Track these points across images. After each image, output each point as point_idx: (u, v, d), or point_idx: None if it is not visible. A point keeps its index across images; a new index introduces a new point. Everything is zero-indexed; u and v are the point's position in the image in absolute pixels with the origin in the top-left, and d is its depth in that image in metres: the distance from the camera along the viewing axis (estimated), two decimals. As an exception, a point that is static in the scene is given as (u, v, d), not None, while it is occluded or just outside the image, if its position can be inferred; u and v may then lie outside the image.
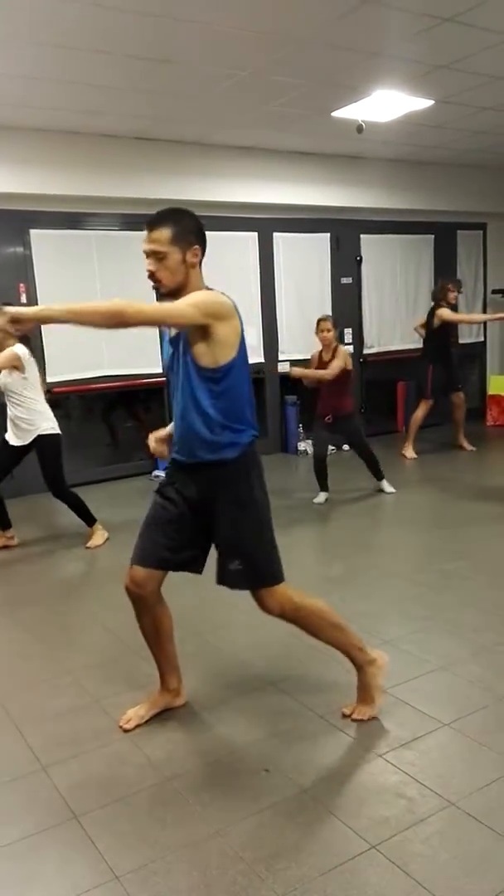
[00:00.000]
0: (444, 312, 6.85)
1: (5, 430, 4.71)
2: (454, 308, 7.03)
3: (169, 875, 1.95)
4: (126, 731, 2.63)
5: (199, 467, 2.46)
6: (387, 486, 5.80)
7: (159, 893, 1.89)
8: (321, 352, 5.59)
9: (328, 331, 5.46)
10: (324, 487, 5.67)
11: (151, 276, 2.39)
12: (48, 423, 4.65)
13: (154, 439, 2.73)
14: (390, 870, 1.92)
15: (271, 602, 2.49)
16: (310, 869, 1.94)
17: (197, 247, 2.38)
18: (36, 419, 4.62)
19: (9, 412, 4.66)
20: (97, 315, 2.26)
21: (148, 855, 2.02)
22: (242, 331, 2.41)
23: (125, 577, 2.58)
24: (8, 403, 4.64)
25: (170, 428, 2.67)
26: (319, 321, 5.52)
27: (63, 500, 4.83)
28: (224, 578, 2.49)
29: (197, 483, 2.48)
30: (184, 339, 2.39)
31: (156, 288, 2.42)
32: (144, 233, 2.37)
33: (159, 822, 2.15)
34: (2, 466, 4.74)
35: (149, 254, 2.37)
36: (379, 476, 5.79)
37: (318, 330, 5.50)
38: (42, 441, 4.64)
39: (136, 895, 1.88)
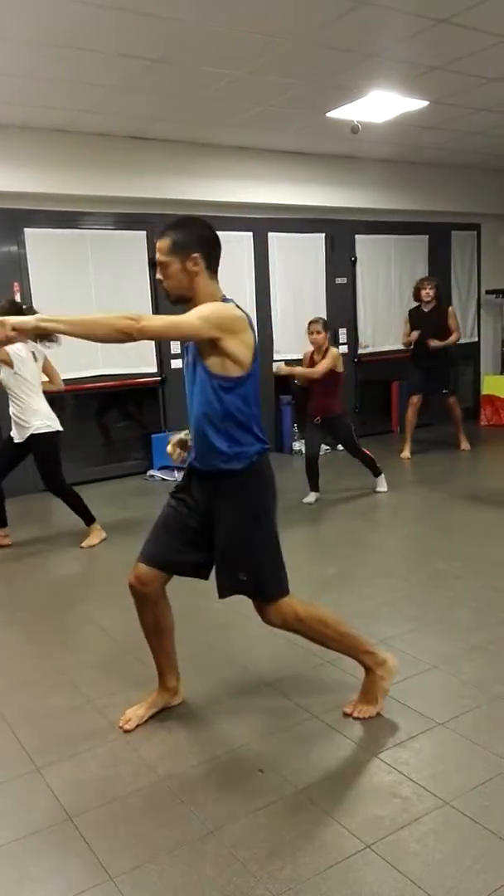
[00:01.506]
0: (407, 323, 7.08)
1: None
2: (427, 304, 6.97)
3: (163, 875, 1.95)
4: (126, 731, 2.63)
5: (209, 475, 2.47)
6: (381, 484, 5.83)
7: (154, 894, 1.89)
8: (313, 352, 5.60)
9: (317, 333, 5.49)
10: (314, 487, 5.69)
11: (160, 284, 2.43)
12: (41, 422, 4.64)
13: (172, 443, 2.76)
14: (385, 869, 1.92)
15: (273, 614, 2.50)
16: (305, 868, 1.94)
17: (196, 255, 2.35)
18: (29, 418, 4.61)
19: (10, 410, 4.69)
20: (103, 328, 2.24)
21: (142, 855, 2.02)
22: (256, 346, 2.41)
23: (130, 573, 2.57)
24: (9, 401, 4.68)
25: (186, 431, 2.67)
26: (310, 323, 5.55)
27: (62, 497, 4.82)
28: (221, 589, 2.50)
29: (205, 490, 2.49)
30: (193, 349, 2.40)
31: (167, 297, 2.44)
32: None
33: (154, 823, 2.15)
34: (5, 463, 4.75)
35: (157, 263, 2.41)
36: (376, 472, 5.81)
37: (309, 332, 5.54)
38: (37, 439, 4.63)
39: None
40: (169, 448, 2.76)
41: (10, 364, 4.55)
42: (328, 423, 5.63)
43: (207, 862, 1.98)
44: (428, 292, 6.90)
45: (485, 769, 2.31)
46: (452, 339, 6.95)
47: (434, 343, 6.82)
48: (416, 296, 7.00)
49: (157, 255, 2.38)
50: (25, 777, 2.42)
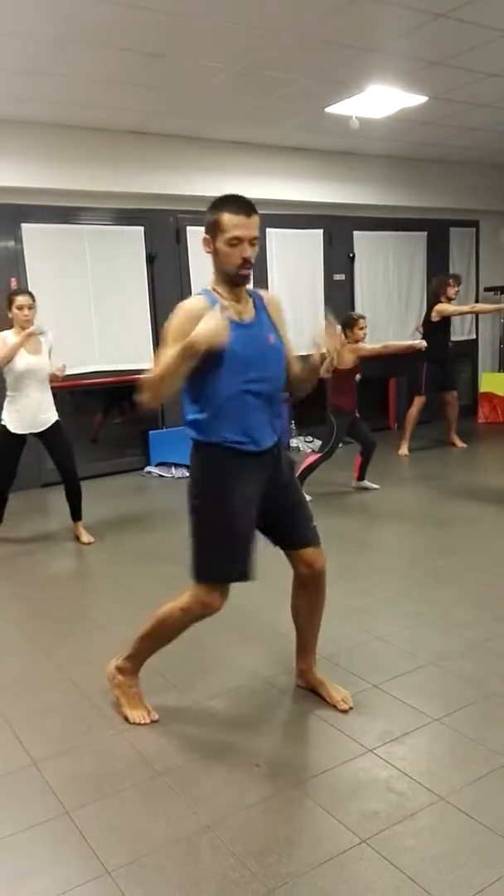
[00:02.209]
0: (444, 307, 6.84)
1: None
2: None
3: (160, 870, 1.95)
4: (153, 721, 2.66)
5: (273, 450, 2.51)
6: (370, 485, 5.85)
7: (150, 888, 1.89)
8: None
9: (364, 327, 5.60)
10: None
11: (248, 262, 2.37)
12: (5, 416, 4.66)
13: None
14: (380, 864, 1.93)
15: (319, 559, 2.62)
16: (300, 863, 1.94)
17: None
18: (47, 409, 4.69)
19: (31, 398, 4.67)
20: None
21: (139, 850, 2.02)
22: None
23: (216, 601, 2.50)
24: (31, 390, 4.66)
25: None
26: (360, 318, 5.65)
27: (77, 483, 4.82)
28: (315, 539, 2.63)
29: (276, 466, 2.54)
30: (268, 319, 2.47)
31: (249, 270, 2.40)
32: (239, 218, 2.32)
33: (150, 817, 2.16)
34: (11, 457, 4.73)
35: (252, 239, 2.35)
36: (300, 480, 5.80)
37: (360, 328, 5.59)
38: (56, 426, 4.70)
39: (128, 890, 1.89)
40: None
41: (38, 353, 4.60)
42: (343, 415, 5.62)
43: (203, 856, 1.99)
44: (457, 290, 6.94)
45: (480, 764, 2.32)
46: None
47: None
48: (443, 291, 6.87)
49: (255, 231, 2.34)
50: (23, 772, 2.42)
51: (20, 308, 4.52)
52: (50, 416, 4.69)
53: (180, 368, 2.26)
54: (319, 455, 5.56)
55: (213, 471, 2.42)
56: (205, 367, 2.30)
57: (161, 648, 2.64)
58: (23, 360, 4.53)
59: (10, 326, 4.58)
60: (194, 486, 2.46)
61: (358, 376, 5.71)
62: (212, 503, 2.42)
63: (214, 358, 2.28)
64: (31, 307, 4.54)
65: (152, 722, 2.64)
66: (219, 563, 2.44)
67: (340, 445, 6.12)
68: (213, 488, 2.41)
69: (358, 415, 5.70)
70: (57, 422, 4.72)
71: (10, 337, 4.51)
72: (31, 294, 4.62)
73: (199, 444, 2.44)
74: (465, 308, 7.41)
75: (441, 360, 7.01)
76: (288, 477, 2.59)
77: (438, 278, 7.14)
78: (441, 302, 6.86)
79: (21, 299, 4.54)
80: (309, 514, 2.64)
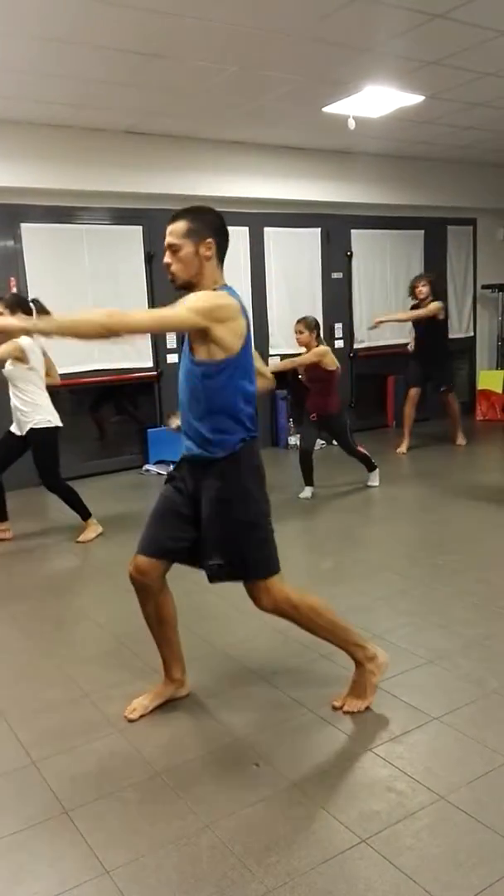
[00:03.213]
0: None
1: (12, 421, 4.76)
2: (423, 301, 6.95)
3: (159, 869, 1.95)
4: (130, 721, 2.65)
5: (195, 461, 2.48)
6: (373, 479, 5.85)
7: (150, 888, 1.89)
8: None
9: (300, 333, 5.50)
10: (309, 482, 5.69)
11: (167, 268, 2.42)
12: (43, 416, 4.65)
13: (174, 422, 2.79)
14: (380, 863, 1.93)
15: (264, 597, 2.49)
16: (300, 863, 1.94)
17: (210, 240, 2.40)
18: (31, 411, 4.62)
19: (11, 402, 4.68)
20: (87, 326, 2.26)
21: (138, 849, 2.02)
22: (249, 332, 2.41)
23: (129, 564, 2.57)
24: (11, 393, 4.67)
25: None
26: (296, 323, 5.55)
27: (57, 493, 4.83)
28: (208, 577, 2.51)
29: (194, 477, 2.51)
30: (186, 336, 2.43)
31: (172, 280, 2.43)
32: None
33: (150, 817, 2.16)
34: (5, 456, 4.75)
35: (167, 246, 2.41)
36: (370, 468, 5.82)
37: (295, 332, 5.55)
38: (36, 434, 4.63)
39: (127, 889, 1.89)
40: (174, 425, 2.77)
41: (25, 360, 4.56)
42: (323, 420, 5.64)
43: (203, 856, 1.99)
44: (420, 290, 6.91)
45: (480, 764, 2.32)
46: (411, 314, 7.01)
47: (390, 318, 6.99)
48: (412, 293, 6.99)
49: (169, 238, 2.39)
50: (21, 770, 2.42)
51: None
52: (26, 424, 4.68)
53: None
54: (360, 447, 5.73)
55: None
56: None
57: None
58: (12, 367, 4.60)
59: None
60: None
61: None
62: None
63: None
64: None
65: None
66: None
67: (323, 444, 6.14)
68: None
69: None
70: (32, 430, 4.67)
71: (24, 340, 4.53)
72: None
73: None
74: (401, 315, 7.30)
75: (424, 361, 7.04)
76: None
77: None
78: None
79: None
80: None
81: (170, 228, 2.41)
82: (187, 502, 2.52)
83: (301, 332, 5.48)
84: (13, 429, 4.72)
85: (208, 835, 2.07)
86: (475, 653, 3.06)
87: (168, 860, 1.98)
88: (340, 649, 2.67)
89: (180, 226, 2.38)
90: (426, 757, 2.38)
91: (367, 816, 2.11)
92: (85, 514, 4.89)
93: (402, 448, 7.02)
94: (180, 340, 2.52)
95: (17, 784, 2.36)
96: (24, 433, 4.65)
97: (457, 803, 2.14)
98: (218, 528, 2.46)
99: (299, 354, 5.63)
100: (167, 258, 2.41)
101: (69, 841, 2.08)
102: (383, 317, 7.03)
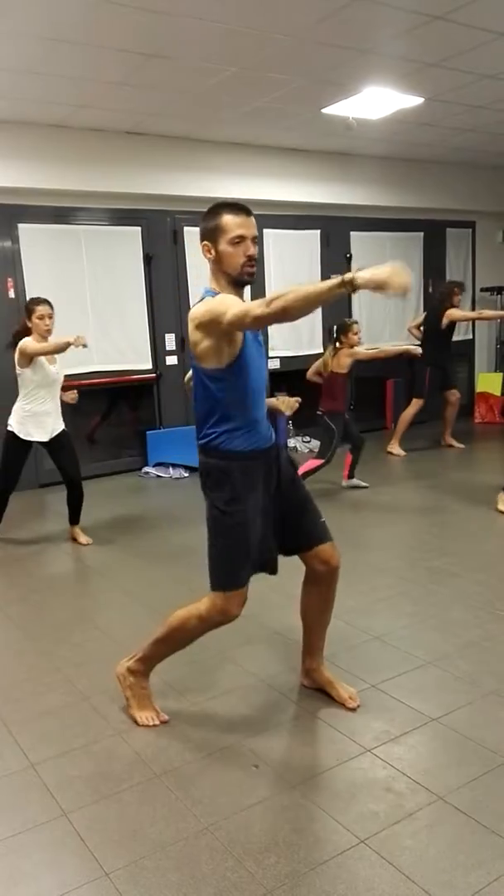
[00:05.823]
0: (455, 312, 6.90)
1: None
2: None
3: (158, 871, 1.95)
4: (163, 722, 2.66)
5: (272, 447, 2.53)
6: (356, 482, 5.88)
7: (149, 890, 1.89)
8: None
9: (356, 334, 5.62)
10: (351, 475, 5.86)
11: (251, 261, 2.35)
12: (12, 419, 4.68)
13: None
14: (379, 864, 1.93)
15: (335, 552, 2.72)
16: (299, 864, 1.94)
17: None
18: (56, 417, 4.73)
19: (49, 405, 4.71)
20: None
21: (137, 851, 2.02)
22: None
23: (232, 608, 2.49)
24: (52, 397, 4.71)
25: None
26: (354, 324, 5.66)
27: (80, 489, 4.82)
28: (321, 537, 2.70)
29: (268, 465, 2.53)
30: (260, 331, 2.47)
31: (251, 275, 2.38)
32: (241, 218, 2.33)
33: (149, 819, 2.16)
34: (15, 462, 4.75)
35: (252, 238, 2.35)
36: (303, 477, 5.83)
37: (354, 332, 5.63)
38: (64, 435, 4.75)
39: (126, 892, 1.89)
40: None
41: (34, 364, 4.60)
42: (328, 416, 5.63)
43: (202, 857, 1.99)
44: (459, 297, 6.98)
45: (478, 764, 2.32)
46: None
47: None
48: (449, 298, 6.91)
49: (254, 230, 2.34)
50: (20, 773, 2.42)
51: (41, 318, 4.53)
52: (59, 424, 4.74)
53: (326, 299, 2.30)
54: (321, 461, 5.57)
55: (224, 483, 2.43)
56: (231, 370, 2.34)
57: (175, 653, 2.64)
58: (53, 369, 4.64)
59: (21, 333, 4.62)
60: (209, 500, 2.45)
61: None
62: (221, 517, 2.45)
63: (240, 362, 2.34)
64: (51, 316, 4.57)
65: (161, 723, 2.64)
66: (226, 574, 2.46)
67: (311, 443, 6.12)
68: (220, 500, 2.44)
69: (346, 414, 5.74)
70: (64, 430, 4.75)
71: (31, 343, 4.53)
72: (49, 303, 4.61)
73: (211, 459, 2.43)
74: (474, 314, 7.55)
75: (444, 365, 7.08)
76: (293, 474, 2.61)
77: (444, 286, 7.20)
78: (447, 308, 6.90)
79: (41, 309, 4.54)
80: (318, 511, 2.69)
81: (250, 221, 2.34)
82: (267, 496, 2.49)
83: (356, 333, 5.61)
84: (24, 433, 4.65)
85: (207, 836, 2.06)
86: (474, 654, 3.06)
87: (168, 862, 1.98)
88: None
89: (254, 220, 2.36)
90: (425, 758, 2.38)
91: (366, 817, 2.11)
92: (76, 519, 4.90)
93: (395, 449, 7.04)
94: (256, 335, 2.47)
95: (16, 786, 2.35)
96: (53, 436, 4.68)
97: (455, 804, 2.14)
98: (307, 493, 2.63)
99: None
100: (253, 250, 2.35)
101: (68, 843, 2.08)
102: (491, 313, 7.29)
